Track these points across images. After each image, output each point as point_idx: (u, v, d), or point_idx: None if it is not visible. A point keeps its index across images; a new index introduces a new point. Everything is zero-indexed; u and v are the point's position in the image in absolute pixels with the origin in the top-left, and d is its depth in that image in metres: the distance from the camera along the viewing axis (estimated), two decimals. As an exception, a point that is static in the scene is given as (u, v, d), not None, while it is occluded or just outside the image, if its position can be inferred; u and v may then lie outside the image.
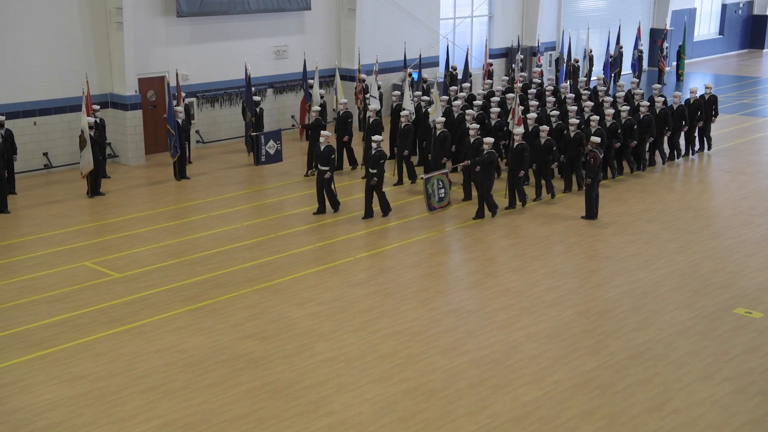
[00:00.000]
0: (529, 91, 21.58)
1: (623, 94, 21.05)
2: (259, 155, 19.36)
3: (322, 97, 21.22)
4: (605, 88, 22.07)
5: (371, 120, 18.73)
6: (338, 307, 12.59)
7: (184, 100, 20.16)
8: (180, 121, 19.03)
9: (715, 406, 9.90)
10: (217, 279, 13.53)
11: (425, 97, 20.82)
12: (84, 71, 19.40)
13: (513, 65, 27.68)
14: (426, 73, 24.91)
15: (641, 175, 19.67)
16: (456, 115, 19.10)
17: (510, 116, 18.44)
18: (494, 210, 16.48)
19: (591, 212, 16.57)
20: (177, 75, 20.08)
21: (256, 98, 20.72)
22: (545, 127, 17.53)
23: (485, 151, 16.18)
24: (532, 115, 18.45)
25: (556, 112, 18.87)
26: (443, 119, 17.90)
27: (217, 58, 22.05)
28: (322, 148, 16.07)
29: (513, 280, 13.64)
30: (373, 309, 12.53)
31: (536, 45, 29.15)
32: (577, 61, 29.02)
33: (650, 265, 14.27)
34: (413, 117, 19.42)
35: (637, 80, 23.14)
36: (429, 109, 19.18)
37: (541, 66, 26.68)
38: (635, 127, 18.97)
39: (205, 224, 16.15)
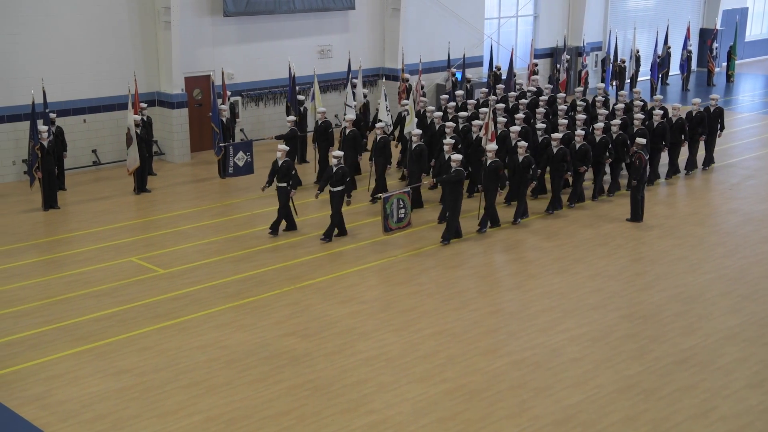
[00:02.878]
0: (521, 101, 19.94)
1: (622, 106, 19.49)
2: (226, 167, 17.93)
3: (365, 96, 21.28)
4: (603, 98, 20.63)
5: (347, 132, 17.69)
6: (379, 306, 12.61)
7: (229, 98, 20.37)
8: (224, 119, 19.23)
9: (764, 414, 9.70)
10: (260, 276, 13.65)
11: (471, 101, 20.73)
12: (132, 70, 19.72)
13: (558, 65, 27.44)
14: (470, 73, 24.81)
15: (690, 176, 19.28)
16: (437, 126, 17.90)
17: (483, 131, 16.85)
18: (455, 235, 15.28)
19: (636, 214, 16.34)
20: (222, 74, 20.30)
21: (300, 97, 20.84)
22: (557, 135, 16.68)
23: (453, 169, 14.94)
24: (515, 128, 17.14)
25: (542, 125, 17.84)
26: (419, 132, 16.92)
27: (262, 57, 22.24)
28: (280, 163, 15.10)
29: (555, 283, 13.52)
30: (414, 309, 12.52)
31: (582, 45, 28.83)
32: (623, 62, 28.67)
33: (697, 269, 14.02)
34: (390, 128, 18.74)
35: (625, 93, 21.33)
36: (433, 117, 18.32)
37: (538, 75, 24.89)
38: (628, 142, 17.50)
39: (249, 222, 16.30)
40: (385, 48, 24.80)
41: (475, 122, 17.49)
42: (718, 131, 19.90)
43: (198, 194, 18.24)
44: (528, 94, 21.30)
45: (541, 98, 20.18)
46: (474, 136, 17.35)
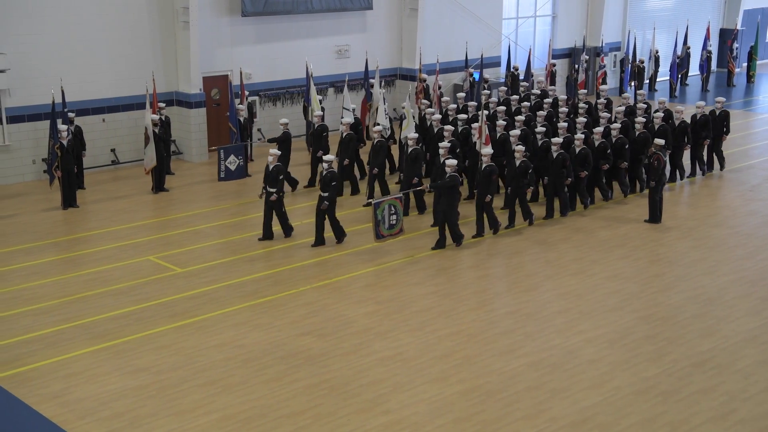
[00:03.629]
0: (523, 104, 19.41)
1: (622, 109, 18.92)
2: (219, 171, 17.47)
3: (382, 96, 21.25)
4: (605, 101, 20.07)
5: (344, 135, 17.43)
6: (395, 307, 12.60)
7: (246, 98, 20.44)
8: (242, 119, 19.28)
9: (782, 417, 9.61)
10: (277, 276, 13.68)
11: (493, 99, 20.69)
12: (151, 69, 19.83)
13: (576, 66, 27.32)
14: (487, 74, 24.75)
15: (711, 176, 19.07)
16: (435, 129, 17.63)
17: (476, 135, 16.34)
18: (460, 240, 14.87)
19: (654, 216, 16.23)
20: (240, 74, 20.36)
21: (319, 97, 20.87)
22: (557, 140, 16.24)
23: (447, 175, 14.56)
24: (515, 131, 16.65)
25: (542, 129, 17.16)
26: (415, 135, 16.44)
27: (280, 57, 22.30)
28: (270, 168, 14.73)
29: (572, 284, 13.45)
30: (430, 309, 12.50)
31: (600, 45, 28.68)
32: (642, 62, 28.50)
33: (716, 271, 13.91)
34: (388, 132, 18.19)
35: (644, 92, 20.81)
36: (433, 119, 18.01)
37: (539, 77, 24.33)
38: (627, 146, 17.05)
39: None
40: (403, 48, 24.80)
41: (474, 125, 17.12)
42: (724, 135, 19.21)
43: (215, 193, 18.31)
44: (532, 97, 20.84)
45: (545, 101, 19.82)
46: (474, 139, 17.04)
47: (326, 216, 14.83)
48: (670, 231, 15.88)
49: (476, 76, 24.11)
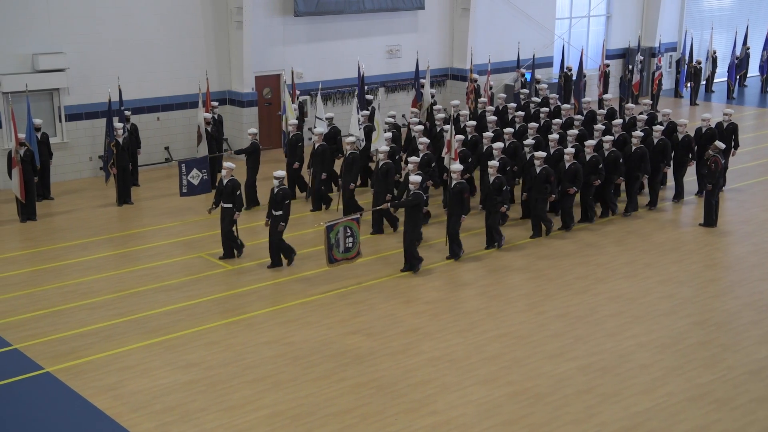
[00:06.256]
0: (516, 113, 18.52)
1: (620, 121, 17.49)
2: (180, 185, 16.15)
3: (432, 96, 21.21)
4: (581, 117, 18.32)
5: (316, 146, 16.49)
6: (444, 307, 12.56)
7: (298, 98, 20.58)
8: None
9: (842, 428, 9.32)
10: (326, 275, 13.73)
11: (535, 98, 20.50)
12: (204, 69, 20.12)
13: (630, 66, 26.89)
14: (539, 74, 24.52)
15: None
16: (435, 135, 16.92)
17: (445, 149, 15.29)
18: (417, 265, 13.82)
19: (710, 219, 15.89)
20: (292, 73, 20.53)
21: (369, 97, 20.92)
22: (570, 150, 15.31)
23: (411, 192, 13.62)
24: (499, 144, 15.68)
25: (531, 141, 16.02)
26: (387, 149, 15.26)
27: (331, 56, 22.41)
28: (225, 182, 13.82)
29: (625, 287, 13.24)
30: (479, 310, 12.43)
31: (656, 45, 28.15)
32: (699, 63, 27.91)
33: (774, 277, 13.57)
34: (363, 144, 17.38)
35: (651, 102, 19.21)
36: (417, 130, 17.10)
37: (543, 83, 22.97)
38: (621, 160, 15.84)
39: (316, 219, 16.41)
40: (454, 48, 24.71)
41: (486, 134, 16.59)
42: (732, 149, 17.70)
43: (266, 191, 18.38)
44: (531, 104, 19.87)
45: (543, 110, 18.72)
46: (484, 147, 16.39)
47: (272, 235, 13.75)
48: (726, 235, 15.53)
49: (528, 76, 23.91)
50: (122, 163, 17.25)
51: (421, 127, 17.45)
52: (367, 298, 12.85)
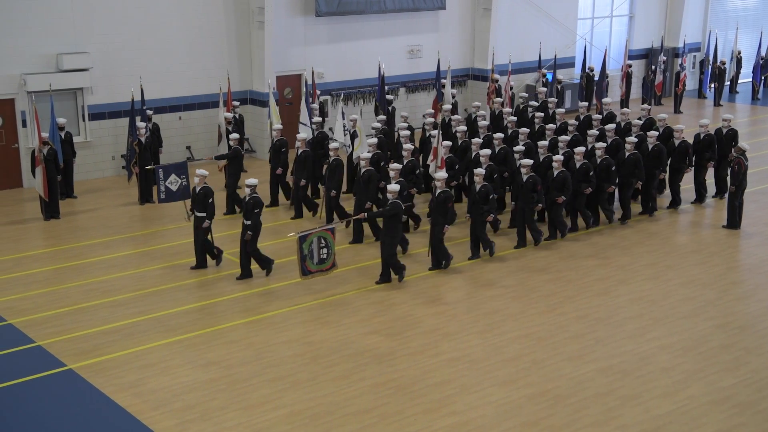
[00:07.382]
0: (509, 118, 18.16)
1: (613, 126, 17.06)
2: (158, 191, 15.37)
3: (453, 96, 21.18)
4: (600, 117, 18.02)
5: (299, 152, 16.10)
6: (464, 308, 12.54)
7: (318, 97, 20.63)
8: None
9: None
10: (346, 274, 13.75)
11: (552, 99, 20.39)
12: (226, 68, 20.22)
13: (653, 67, 26.70)
14: (561, 74, 24.40)
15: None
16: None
17: (431, 156, 15.00)
18: (401, 273, 13.40)
19: (733, 221, 15.74)
20: (313, 73, 20.58)
21: (389, 97, 20.93)
22: (559, 157, 14.92)
23: (389, 201, 13.17)
24: (486, 151, 15.18)
25: (521, 148, 15.71)
26: (369, 155, 14.90)
27: (352, 56, 22.44)
28: (198, 189, 13.50)
29: (646, 289, 13.15)
30: (499, 311, 12.40)
31: (680, 46, 27.95)
32: (723, 63, 27.65)
33: (798, 280, 13.41)
34: (349, 150, 17.01)
35: (649, 107, 18.59)
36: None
37: (541, 86, 22.83)
38: (613, 168, 15.33)
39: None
40: (475, 48, 24.65)
41: (475, 140, 16.19)
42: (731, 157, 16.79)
43: (287, 191, 18.47)
44: (529, 109, 19.46)
45: (537, 115, 18.23)
46: (473, 154, 15.96)
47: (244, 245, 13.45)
48: (750, 237, 15.38)
49: (549, 76, 23.81)
50: (144, 162, 17.37)
51: (408, 132, 16.66)
52: (387, 298, 12.85)
